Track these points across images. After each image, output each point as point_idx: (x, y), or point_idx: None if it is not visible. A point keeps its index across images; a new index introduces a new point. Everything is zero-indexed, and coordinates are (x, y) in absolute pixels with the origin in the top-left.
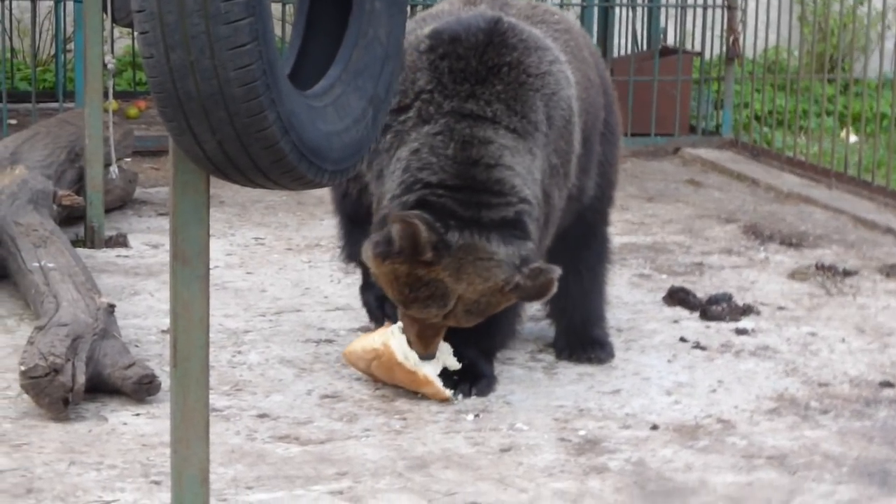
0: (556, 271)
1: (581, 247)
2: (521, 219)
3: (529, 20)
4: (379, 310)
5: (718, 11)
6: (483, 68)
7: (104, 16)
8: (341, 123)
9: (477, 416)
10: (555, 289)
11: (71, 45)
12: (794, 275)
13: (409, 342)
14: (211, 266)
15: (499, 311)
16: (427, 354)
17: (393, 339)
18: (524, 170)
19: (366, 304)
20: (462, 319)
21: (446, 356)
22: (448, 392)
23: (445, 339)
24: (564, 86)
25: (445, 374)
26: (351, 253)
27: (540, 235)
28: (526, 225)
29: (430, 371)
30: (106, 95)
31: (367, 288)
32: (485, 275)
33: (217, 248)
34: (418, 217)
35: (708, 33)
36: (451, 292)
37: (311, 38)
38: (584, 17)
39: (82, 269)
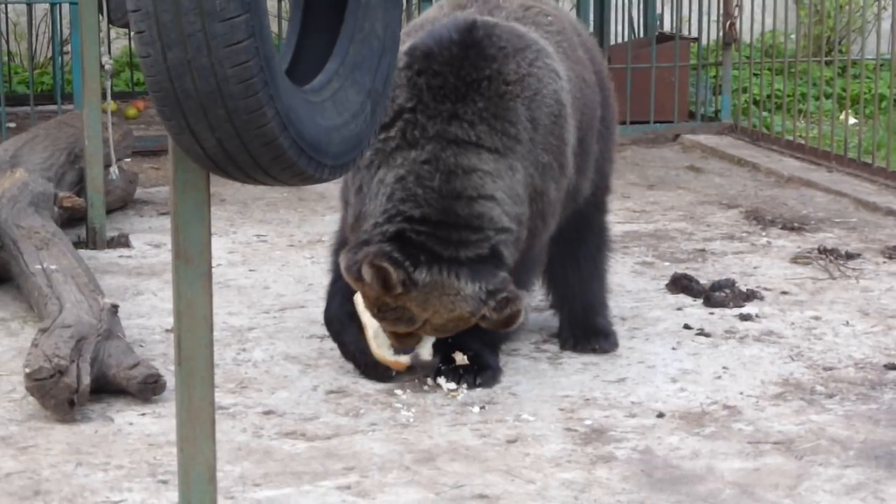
0: (522, 301)
1: (579, 236)
2: (497, 251)
3: (520, 23)
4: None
5: None
6: (462, 84)
7: (100, 17)
8: (340, 118)
9: (483, 407)
10: (522, 319)
11: (68, 47)
12: (797, 259)
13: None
14: (213, 264)
15: None
16: (404, 347)
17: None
18: (505, 194)
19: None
20: (433, 334)
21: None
22: (383, 353)
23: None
24: (548, 81)
25: (451, 370)
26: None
27: (537, 228)
28: (501, 255)
29: (374, 329)
30: (104, 96)
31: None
32: (449, 307)
33: (219, 246)
34: (388, 260)
35: (704, 19)
36: (417, 317)
37: (307, 33)
38: (580, 6)
39: (85, 270)
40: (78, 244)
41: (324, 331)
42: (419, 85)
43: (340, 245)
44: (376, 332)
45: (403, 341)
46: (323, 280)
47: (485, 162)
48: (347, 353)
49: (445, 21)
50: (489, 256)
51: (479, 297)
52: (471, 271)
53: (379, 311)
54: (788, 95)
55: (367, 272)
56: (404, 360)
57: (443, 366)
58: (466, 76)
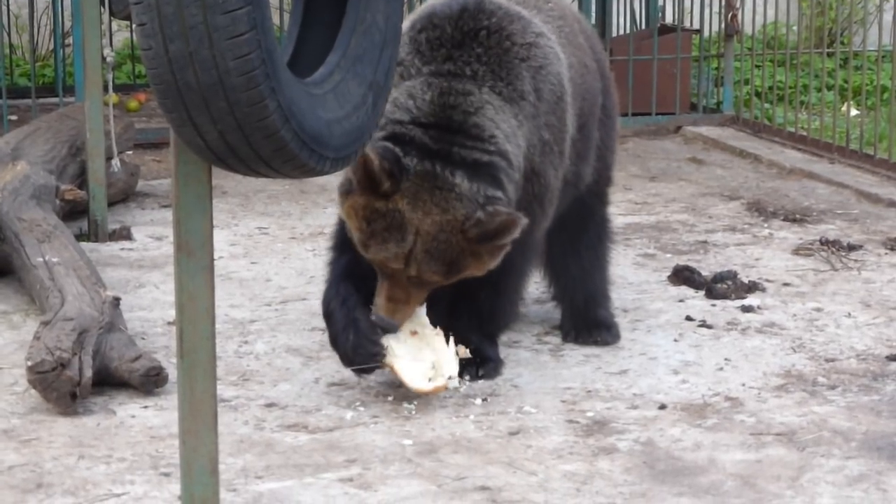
0: (522, 217)
1: (580, 228)
2: (495, 167)
3: (522, 6)
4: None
5: None
6: (458, 34)
7: (102, 9)
8: (341, 110)
9: (485, 399)
10: (517, 231)
11: (69, 40)
12: (799, 250)
13: (378, 307)
14: (215, 257)
15: (493, 288)
16: (390, 319)
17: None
18: (508, 129)
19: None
20: (424, 266)
21: (435, 354)
22: (415, 383)
23: (446, 332)
24: (553, 61)
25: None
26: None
27: (535, 214)
28: (499, 174)
29: (402, 364)
30: (106, 89)
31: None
32: (443, 205)
33: (221, 239)
34: (373, 149)
35: (706, 10)
36: (407, 223)
37: (309, 25)
38: None
39: (87, 262)
40: (80, 237)
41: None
42: (419, 40)
43: (339, 241)
44: (406, 366)
45: (396, 304)
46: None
47: (485, 94)
48: (335, 339)
49: None
50: (487, 167)
51: (476, 199)
52: (467, 172)
53: (368, 226)
54: (790, 87)
55: (351, 165)
56: (440, 383)
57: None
58: (464, 26)
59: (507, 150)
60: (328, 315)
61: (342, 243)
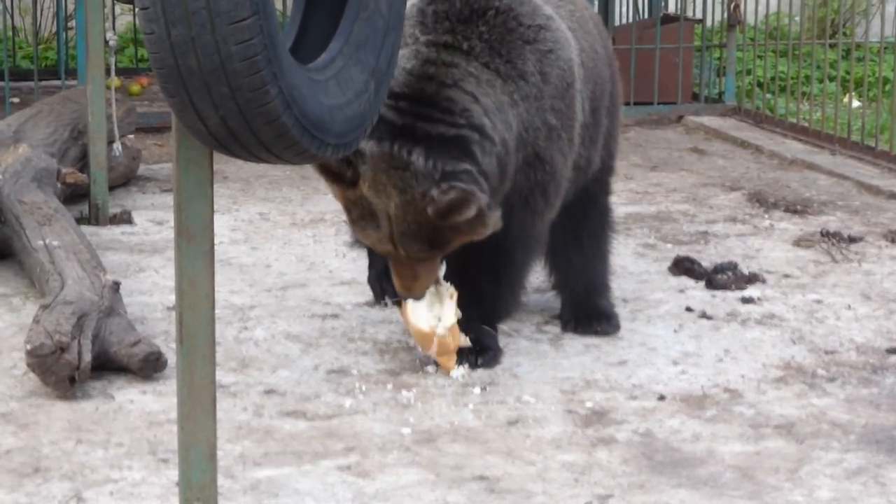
0: (477, 198)
1: (582, 216)
2: (464, 140)
3: None
4: (379, 286)
5: None
6: (466, 9)
7: None
8: (343, 97)
9: (484, 389)
10: (473, 208)
11: (72, 23)
12: (800, 242)
13: (396, 287)
14: (216, 242)
15: (495, 278)
16: (408, 295)
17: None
18: (491, 104)
19: (369, 281)
20: (408, 247)
21: (446, 316)
22: (419, 324)
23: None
24: (564, 45)
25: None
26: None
27: (537, 203)
28: (471, 147)
29: (412, 305)
30: (108, 72)
31: (371, 267)
32: (399, 185)
33: (221, 224)
34: None
35: (709, 0)
36: (375, 208)
37: (312, 11)
38: None
39: (87, 246)
40: (80, 220)
41: (325, 310)
42: (425, 11)
43: None
44: (413, 307)
45: (404, 278)
46: (325, 259)
47: (474, 68)
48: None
49: None
50: (453, 140)
51: (432, 176)
52: (426, 149)
53: (349, 215)
54: (792, 78)
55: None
56: (438, 332)
57: None
58: (474, 3)
59: (484, 123)
60: (370, 265)
61: None
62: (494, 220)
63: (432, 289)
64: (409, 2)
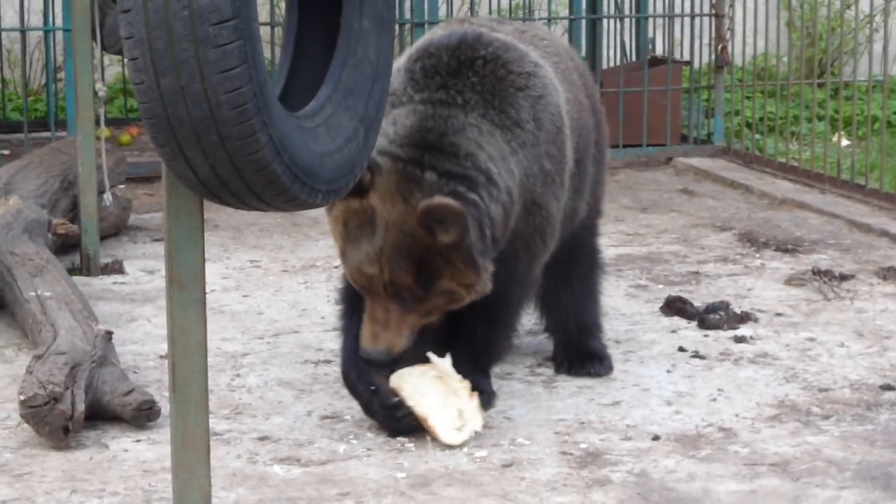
0: (465, 211)
1: (572, 259)
2: (471, 180)
3: (519, 41)
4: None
5: (706, 20)
6: (454, 62)
7: (94, 44)
8: (333, 143)
9: (478, 431)
10: (458, 224)
11: (62, 74)
12: (791, 281)
13: (362, 337)
14: (207, 290)
15: (489, 321)
16: (372, 348)
17: (404, 382)
18: (494, 152)
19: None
20: (395, 265)
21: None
22: (447, 436)
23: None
24: (552, 92)
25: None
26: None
27: (536, 247)
28: (477, 188)
29: (434, 419)
30: (98, 123)
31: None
32: (406, 195)
33: (213, 272)
34: None
35: (696, 42)
36: (377, 217)
37: (300, 59)
38: (572, 30)
39: (79, 296)
40: (72, 271)
41: (318, 356)
42: (414, 69)
43: (347, 300)
44: (437, 419)
45: (377, 325)
46: (317, 305)
47: (472, 119)
48: (367, 409)
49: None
50: (461, 177)
51: (441, 186)
52: (437, 172)
53: (345, 229)
54: (781, 118)
55: None
56: (466, 437)
57: None
58: (461, 55)
59: (490, 168)
60: (351, 388)
61: (350, 302)
62: (484, 276)
63: (440, 385)
64: (395, 65)
